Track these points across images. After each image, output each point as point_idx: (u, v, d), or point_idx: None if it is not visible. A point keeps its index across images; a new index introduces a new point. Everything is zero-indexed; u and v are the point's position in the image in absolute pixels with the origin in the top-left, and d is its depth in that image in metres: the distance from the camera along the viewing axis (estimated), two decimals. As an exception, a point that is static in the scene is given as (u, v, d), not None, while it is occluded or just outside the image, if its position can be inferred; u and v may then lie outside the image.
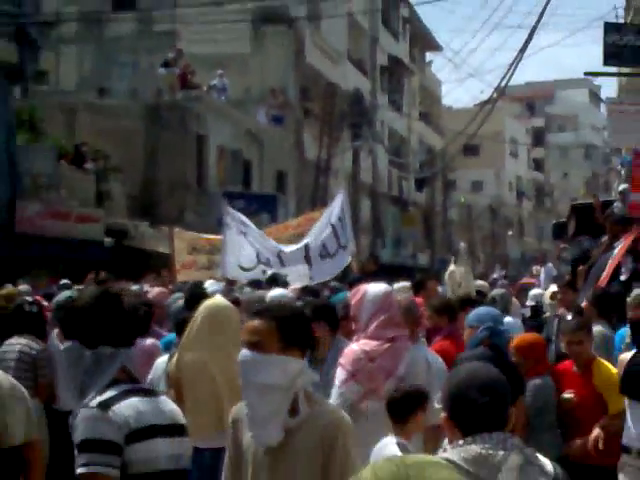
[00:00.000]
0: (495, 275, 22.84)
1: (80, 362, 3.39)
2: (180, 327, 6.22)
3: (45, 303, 8.84)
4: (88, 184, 21.51)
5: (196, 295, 7.47)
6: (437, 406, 4.66)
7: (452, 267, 11.31)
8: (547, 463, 2.71)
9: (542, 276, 17.94)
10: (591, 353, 6.27)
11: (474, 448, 2.58)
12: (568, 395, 6.10)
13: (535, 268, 24.38)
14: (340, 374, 5.24)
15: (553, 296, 10.82)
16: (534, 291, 12.55)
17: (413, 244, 46.44)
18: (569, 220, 17.69)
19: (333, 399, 5.09)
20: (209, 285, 9.59)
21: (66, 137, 23.16)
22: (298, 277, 11.25)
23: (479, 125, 24.64)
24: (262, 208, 24.01)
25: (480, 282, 12.63)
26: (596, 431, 5.86)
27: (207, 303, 5.85)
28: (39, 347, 7.32)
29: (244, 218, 12.56)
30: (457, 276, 11.06)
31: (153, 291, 9.80)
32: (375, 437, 4.76)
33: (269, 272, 11.18)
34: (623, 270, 9.61)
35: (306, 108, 32.79)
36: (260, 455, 3.34)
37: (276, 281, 10.25)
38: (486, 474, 2.55)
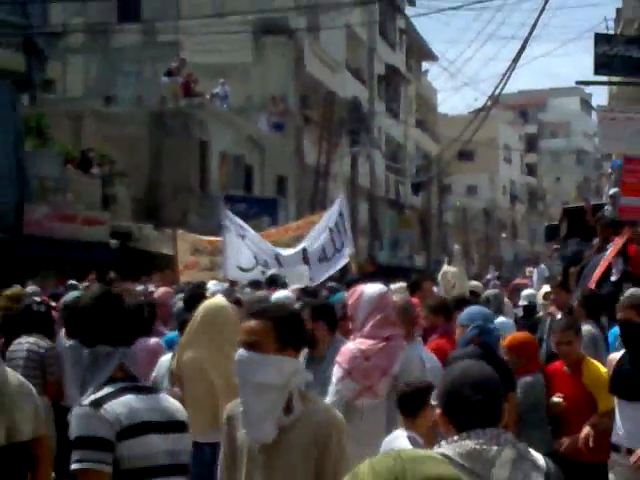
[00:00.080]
0: (489, 276, 22.27)
1: (80, 360, 3.47)
2: (183, 326, 6.25)
3: (53, 303, 8.83)
4: (94, 188, 21.59)
5: (195, 296, 7.49)
6: (432, 403, 4.99)
7: (445, 268, 11.51)
8: (539, 458, 2.77)
9: (535, 277, 17.75)
10: (580, 353, 6.27)
11: (469, 443, 2.66)
12: (557, 399, 6.12)
13: (528, 269, 24.10)
14: (337, 372, 5.25)
15: (546, 296, 10.79)
16: (526, 291, 12.41)
17: (410, 246, 46.46)
18: (561, 223, 17.91)
19: (330, 396, 5.13)
20: (212, 286, 9.59)
21: (73, 143, 23.23)
22: (298, 278, 11.38)
23: (474, 132, 24.95)
24: (263, 211, 24.12)
25: (474, 283, 12.73)
26: (586, 429, 5.89)
27: (206, 303, 5.89)
28: (47, 346, 7.37)
29: (242, 222, 12.79)
30: (449, 277, 11.21)
31: (158, 291, 9.92)
32: (370, 434, 4.84)
33: (268, 273, 11.36)
34: (614, 271, 9.65)
35: (306, 115, 32.82)
36: (255, 452, 3.36)
37: (275, 282, 10.39)
38: (480, 469, 2.63)
